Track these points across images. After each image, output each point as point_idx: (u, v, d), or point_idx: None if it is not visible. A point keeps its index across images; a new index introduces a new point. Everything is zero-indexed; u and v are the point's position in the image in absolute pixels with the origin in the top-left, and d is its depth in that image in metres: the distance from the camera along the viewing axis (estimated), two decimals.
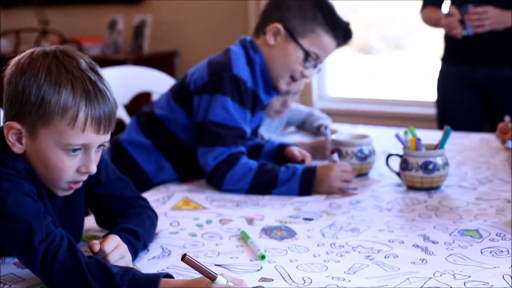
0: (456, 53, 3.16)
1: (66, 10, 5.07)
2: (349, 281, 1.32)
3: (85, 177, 1.39)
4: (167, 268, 1.39)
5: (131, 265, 1.35)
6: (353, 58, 4.82)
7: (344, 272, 1.36)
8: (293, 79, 2.10)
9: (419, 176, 1.91)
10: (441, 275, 1.34)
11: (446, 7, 3.12)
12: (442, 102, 3.29)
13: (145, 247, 1.48)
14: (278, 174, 1.92)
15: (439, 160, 1.92)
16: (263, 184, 1.93)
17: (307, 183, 1.91)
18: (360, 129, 2.79)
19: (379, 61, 5.01)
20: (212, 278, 1.16)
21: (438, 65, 3.31)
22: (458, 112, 3.21)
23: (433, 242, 1.52)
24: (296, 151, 2.11)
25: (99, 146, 1.37)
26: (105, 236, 1.38)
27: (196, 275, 1.25)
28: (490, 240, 1.53)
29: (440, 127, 3.22)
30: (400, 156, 1.99)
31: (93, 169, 1.36)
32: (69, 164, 1.34)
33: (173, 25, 4.71)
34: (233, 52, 2.07)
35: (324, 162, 2.16)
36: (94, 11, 4.98)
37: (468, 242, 1.52)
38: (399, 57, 4.90)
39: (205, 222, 1.69)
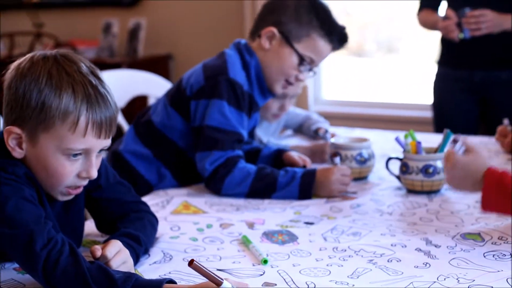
0: (453, 56, 3.16)
1: (61, 13, 5.05)
2: (353, 285, 1.31)
3: (85, 182, 1.38)
4: (169, 273, 1.38)
5: (133, 271, 1.34)
6: (347, 61, 4.82)
7: (348, 276, 1.35)
8: (288, 82, 2.10)
9: (420, 180, 1.90)
10: (445, 279, 1.33)
11: (443, 10, 3.12)
12: (438, 105, 3.29)
13: (146, 252, 1.47)
14: (277, 178, 1.92)
15: (439, 164, 1.91)
16: (262, 188, 1.92)
17: (307, 187, 1.90)
18: (357, 132, 2.79)
19: (372, 64, 5.02)
20: (218, 283, 1.15)
21: (434, 68, 3.31)
22: (455, 115, 3.21)
23: (435, 246, 1.51)
24: (296, 156, 2.10)
25: (100, 150, 1.36)
26: (106, 241, 1.37)
27: (199, 280, 1.25)
28: (492, 243, 1.52)
29: (437, 130, 3.23)
30: (400, 159, 1.98)
31: (94, 174, 1.35)
32: (70, 169, 1.32)
33: (168, 28, 4.70)
34: (228, 55, 2.06)
35: (322, 166, 2.16)
36: (89, 14, 4.96)
37: (470, 245, 1.51)
38: (392, 60, 4.91)
39: (205, 226, 1.68)
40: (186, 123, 2.05)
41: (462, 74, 3.13)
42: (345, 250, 1.50)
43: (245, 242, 1.54)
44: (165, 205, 1.86)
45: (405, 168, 1.93)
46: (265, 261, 1.42)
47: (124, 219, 1.50)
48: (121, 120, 2.75)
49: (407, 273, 1.37)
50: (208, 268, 1.17)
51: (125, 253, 1.33)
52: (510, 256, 1.44)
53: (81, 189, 1.40)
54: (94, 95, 1.31)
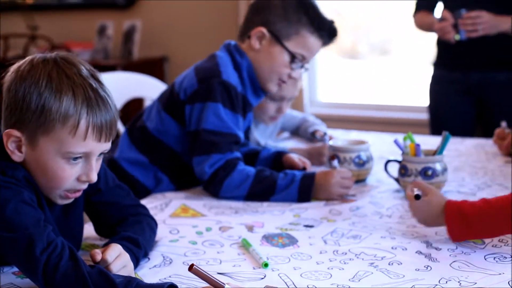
0: (449, 58, 3.16)
1: (55, 15, 5.03)
2: None
3: (85, 186, 1.37)
4: (169, 277, 1.37)
5: (133, 274, 1.34)
6: (340, 63, 4.82)
7: (349, 279, 1.35)
8: (281, 81, 2.09)
9: None
10: (446, 282, 1.33)
11: (439, 11, 3.12)
12: (434, 107, 3.29)
13: (146, 255, 1.46)
14: (276, 181, 1.91)
15: (438, 166, 1.91)
16: (261, 191, 1.91)
17: (306, 190, 1.90)
18: (354, 135, 2.79)
19: (365, 66, 5.02)
20: (219, 287, 1.14)
21: (427, 70, 3.31)
22: (451, 117, 3.20)
23: (436, 248, 1.51)
24: (296, 158, 2.10)
25: (100, 154, 1.35)
26: (106, 245, 1.36)
27: (201, 284, 1.24)
28: (493, 246, 1.52)
29: (433, 132, 3.23)
30: (399, 162, 1.98)
31: (94, 178, 1.34)
32: (70, 172, 1.32)
33: (163, 31, 4.69)
34: (219, 57, 2.06)
35: (320, 168, 2.16)
36: (84, 16, 4.95)
37: (471, 248, 1.51)
38: (385, 62, 4.91)
39: (204, 229, 1.67)
40: (181, 128, 2.04)
41: (458, 76, 3.13)
42: (346, 253, 1.49)
43: (245, 245, 1.54)
44: (163, 208, 1.85)
45: (404, 170, 1.93)
46: (266, 265, 1.41)
47: (123, 223, 1.49)
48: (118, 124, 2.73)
49: (408, 276, 1.36)
50: (208, 272, 1.16)
51: (125, 257, 1.32)
52: (511, 258, 1.44)
53: (80, 193, 1.39)
54: (95, 98, 1.30)
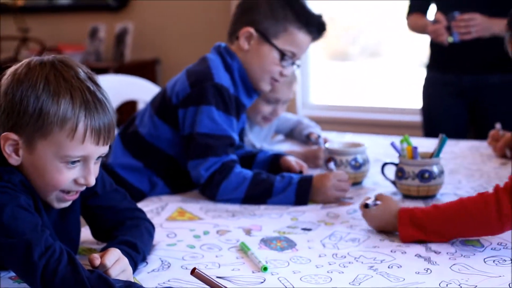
0: (442, 60, 3.16)
1: (47, 18, 5.01)
2: None
3: (82, 188, 1.36)
4: (168, 281, 1.36)
5: (132, 279, 1.32)
6: (330, 66, 4.82)
7: (349, 283, 1.34)
8: (274, 79, 2.09)
9: (416, 185, 1.89)
10: (447, 285, 1.32)
11: (432, 14, 3.12)
12: (427, 109, 3.29)
13: (144, 259, 1.45)
14: (273, 183, 1.90)
15: (435, 169, 1.91)
16: (258, 194, 1.90)
17: (304, 193, 1.89)
18: (349, 137, 2.78)
19: (355, 68, 5.01)
20: None
21: (420, 72, 3.31)
22: (444, 119, 3.20)
23: (435, 252, 1.50)
24: (293, 161, 2.09)
25: (98, 157, 1.34)
26: (104, 250, 1.35)
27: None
28: (492, 249, 1.52)
29: (426, 134, 3.22)
30: (396, 164, 1.97)
31: (92, 181, 1.33)
32: (67, 175, 1.30)
33: (155, 33, 4.68)
34: (211, 60, 2.05)
35: (316, 171, 2.15)
36: (75, 19, 4.93)
37: (470, 251, 1.50)
38: (375, 64, 4.91)
39: (202, 233, 1.66)
40: (174, 132, 2.03)
41: (451, 78, 3.13)
42: (345, 257, 1.49)
43: (243, 249, 1.53)
44: (159, 211, 1.84)
45: (401, 173, 1.92)
46: (265, 268, 1.40)
47: (121, 227, 1.48)
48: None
49: (408, 279, 1.36)
50: (210, 276, 1.15)
51: (124, 262, 1.31)
52: (510, 261, 1.44)
53: (77, 195, 1.37)
54: (92, 101, 1.29)
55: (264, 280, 1.36)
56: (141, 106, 2.90)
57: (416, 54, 4.46)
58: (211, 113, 1.96)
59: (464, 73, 3.09)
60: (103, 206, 1.50)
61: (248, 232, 1.66)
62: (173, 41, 4.62)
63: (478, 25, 2.90)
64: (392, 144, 1.98)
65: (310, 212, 1.82)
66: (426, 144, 2.35)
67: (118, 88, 2.85)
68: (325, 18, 2.11)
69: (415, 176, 1.89)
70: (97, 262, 1.27)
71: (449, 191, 1.99)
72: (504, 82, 3.05)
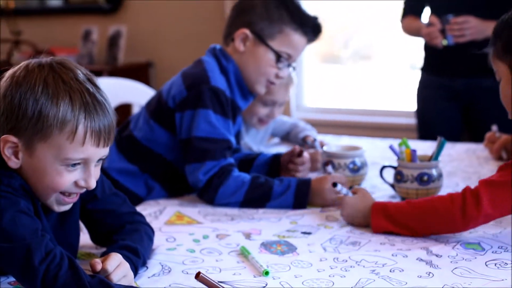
0: (436, 63, 3.16)
1: (39, 20, 4.98)
2: None
3: (82, 190, 1.34)
4: (169, 286, 1.34)
5: (133, 284, 1.31)
6: (320, 68, 4.81)
7: (352, 287, 1.33)
8: (269, 81, 2.08)
9: (414, 188, 1.89)
10: None
11: (426, 16, 3.12)
12: (422, 112, 3.29)
13: (144, 264, 1.44)
14: (272, 187, 1.89)
15: (434, 172, 1.90)
16: (257, 197, 1.89)
17: (302, 196, 1.88)
18: (345, 140, 2.77)
19: (345, 71, 5.01)
20: None
21: (414, 75, 3.31)
22: (438, 122, 3.20)
23: (436, 255, 1.50)
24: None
25: (99, 160, 1.33)
26: (104, 254, 1.33)
27: None
28: (493, 252, 1.51)
29: (421, 137, 3.22)
30: (394, 167, 1.97)
31: (93, 184, 1.32)
32: (68, 178, 1.29)
33: (148, 36, 4.66)
34: (206, 62, 2.03)
35: (314, 174, 2.14)
36: (68, 21, 4.91)
37: (471, 255, 1.50)
38: (365, 66, 4.91)
39: (201, 237, 1.65)
40: (171, 136, 2.02)
41: (446, 81, 3.13)
42: (346, 261, 1.48)
43: (243, 253, 1.51)
44: (157, 215, 1.83)
45: (399, 176, 1.92)
46: (267, 273, 1.39)
47: (121, 231, 1.46)
48: None
49: (411, 283, 1.35)
50: (215, 281, 1.14)
51: (126, 267, 1.30)
52: (511, 264, 1.44)
53: (77, 198, 1.36)
54: (92, 103, 1.28)
55: (266, 285, 1.35)
56: (135, 109, 2.89)
57: (407, 56, 4.46)
58: (208, 117, 1.94)
59: (458, 76, 3.09)
60: (103, 210, 1.49)
61: (247, 236, 1.65)
62: (167, 44, 4.61)
63: (472, 28, 2.90)
64: (391, 147, 1.97)
65: (309, 216, 1.81)
66: (421, 147, 2.34)
67: (112, 91, 2.83)
68: (321, 20, 2.10)
69: (414, 179, 1.89)
70: (99, 267, 1.25)
71: None
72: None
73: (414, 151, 1.92)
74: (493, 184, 1.57)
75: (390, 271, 1.42)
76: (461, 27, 2.90)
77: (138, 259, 1.39)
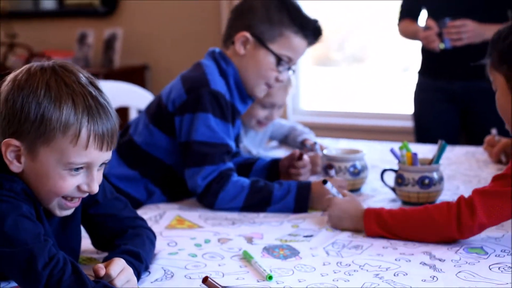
0: (434, 66, 3.16)
1: (34, 23, 4.96)
2: None
3: (84, 195, 1.33)
4: None
5: None
6: (313, 71, 4.81)
7: None
8: (268, 85, 2.07)
9: (416, 192, 1.88)
10: None
11: (423, 20, 3.12)
12: (419, 115, 3.29)
13: (146, 269, 1.43)
14: (272, 191, 1.88)
15: (435, 175, 1.90)
16: (257, 202, 1.88)
17: (303, 200, 1.87)
18: (344, 143, 2.77)
19: (339, 73, 5.01)
20: None
21: (407, 78, 3.30)
22: (435, 125, 3.20)
23: (439, 259, 1.49)
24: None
25: (101, 164, 1.32)
26: (107, 259, 1.32)
27: None
28: (496, 256, 1.51)
29: (418, 140, 3.22)
30: (395, 171, 1.96)
31: (96, 189, 1.31)
32: (71, 183, 1.28)
33: (144, 39, 4.65)
34: (206, 66, 2.02)
35: (314, 178, 2.14)
36: (63, 24, 4.89)
37: (474, 259, 1.49)
38: (359, 69, 4.92)
39: (203, 241, 1.64)
40: (171, 140, 2.01)
41: (443, 84, 3.13)
42: (349, 265, 1.47)
43: (246, 257, 1.50)
44: (158, 219, 1.82)
45: (401, 180, 1.91)
46: (270, 277, 1.38)
47: (123, 235, 1.45)
48: None
49: (415, 287, 1.34)
50: (222, 285, 1.13)
51: (129, 272, 1.29)
52: None
53: (79, 202, 1.35)
54: (95, 106, 1.27)
55: None
56: (132, 112, 2.88)
57: (400, 59, 4.47)
58: (208, 121, 1.93)
59: (456, 79, 3.09)
60: (104, 214, 1.48)
61: (249, 240, 1.64)
62: (163, 47, 4.60)
63: (469, 31, 2.90)
64: (392, 151, 1.97)
65: (310, 219, 1.80)
66: (420, 150, 2.33)
67: (109, 94, 2.79)
68: (321, 23, 2.10)
69: (415, 183, 1.88)
70: (102, 272, 1.24)
71: (448, 198, 1.97)
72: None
73: (415, 154, 1.92)
74: (486, 194, 1.57)
75: (394, 275, 1.41)
76: (458, 31, 2.90)
77: (140, 264, 1.38)
